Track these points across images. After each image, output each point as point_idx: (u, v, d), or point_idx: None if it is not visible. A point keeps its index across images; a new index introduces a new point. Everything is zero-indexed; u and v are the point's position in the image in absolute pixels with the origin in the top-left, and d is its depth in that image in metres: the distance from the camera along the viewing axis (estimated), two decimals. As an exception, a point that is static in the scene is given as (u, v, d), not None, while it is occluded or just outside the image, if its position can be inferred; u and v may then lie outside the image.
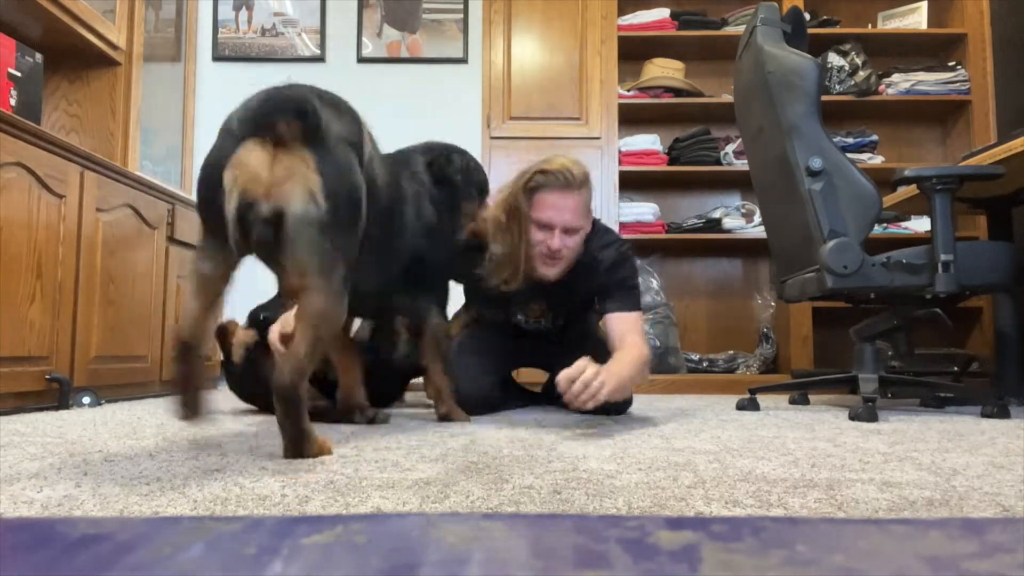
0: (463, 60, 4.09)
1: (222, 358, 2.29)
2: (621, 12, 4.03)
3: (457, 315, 2.45)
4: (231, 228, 1.22)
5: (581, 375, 1.65)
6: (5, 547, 0.46)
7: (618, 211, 3.85)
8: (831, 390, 3.31)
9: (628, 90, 4.00)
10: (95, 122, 3.06)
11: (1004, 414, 2.23)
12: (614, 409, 2.17)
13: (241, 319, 2.30)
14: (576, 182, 1.99)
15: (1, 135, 2.17)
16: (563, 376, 1.65)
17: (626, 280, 2.13)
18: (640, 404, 2.68)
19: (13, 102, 2.49)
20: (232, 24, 4.14)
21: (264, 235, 1.23)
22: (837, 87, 3.87)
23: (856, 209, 2.29)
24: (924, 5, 3.98)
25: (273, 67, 4.11)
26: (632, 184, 4.06)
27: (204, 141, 4.01)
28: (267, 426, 1.85)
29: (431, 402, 2.13)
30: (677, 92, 3.98)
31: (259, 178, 1.22)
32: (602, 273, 2.11)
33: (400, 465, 1.21)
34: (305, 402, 1.27)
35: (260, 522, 0.50)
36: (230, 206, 1.20)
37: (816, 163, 2.29)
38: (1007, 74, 3.60)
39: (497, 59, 4.00)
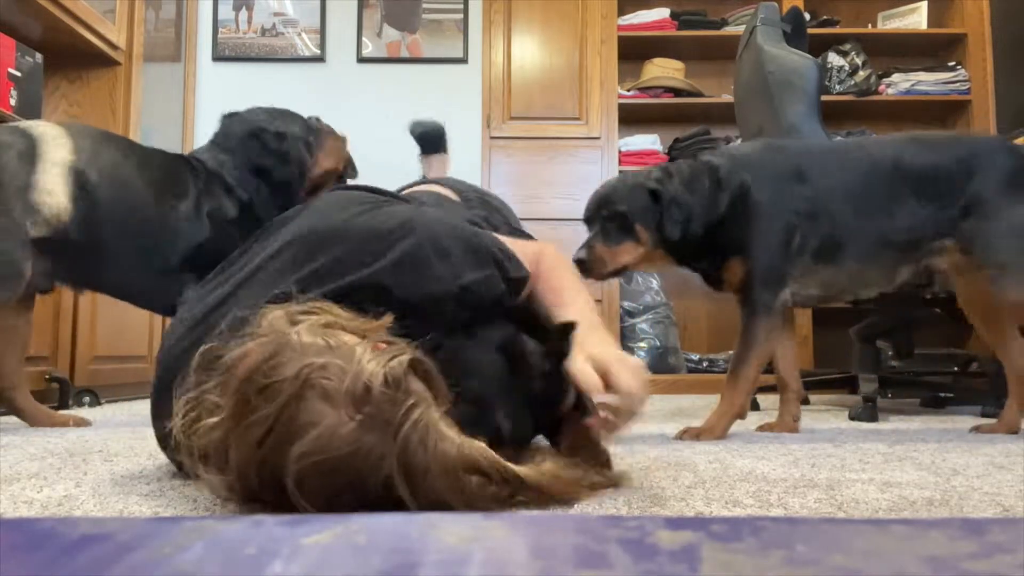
0: (463, 60, 4.09)
1: None
2: (621, 12, 4.03)
3: None
4: None
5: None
6: (5, 547, 0.46)
7: (618, 211, 3.85)
8: (831, 390, 3.31)
9: (628, 90, 4.00)
10: (95, 122, 3.06)
11: (1004, 414, 2.22)
12: None
13: None
14: None
15: (1, 135, 2.17)
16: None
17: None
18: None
19: (13, 102, 2.49)
20: (232, 24, 4.14)
21: None
22: (837, 87, 3.87)
23: (856, 209, 2.28)
24: (924, 5, 3.98)
25: (273, 67, 4.11)
26: (632, 184, 4.06)
27: (204, 141, 4.02)
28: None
29: None
30: (677, 92, 3.98)
31: None
32: None
33: (400, 465, 1.20)
34: None
35: (260, 522, 0.50)
36: None
37: (816, 163, 2.29)
38: (1007, 74, 3.60)
39: (497, 59, 4.00)
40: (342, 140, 2.06)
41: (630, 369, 0.92)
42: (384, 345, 0.78)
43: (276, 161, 1.92)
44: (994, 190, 1.74)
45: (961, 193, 1.74)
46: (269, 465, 0.71)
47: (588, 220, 1.79)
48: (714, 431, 1.67)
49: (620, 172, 3.90)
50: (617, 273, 1.81)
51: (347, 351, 0.75)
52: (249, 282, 0.98)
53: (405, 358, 0.75)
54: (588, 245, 1.76)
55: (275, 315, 0.81)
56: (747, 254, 1.73)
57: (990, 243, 1.73)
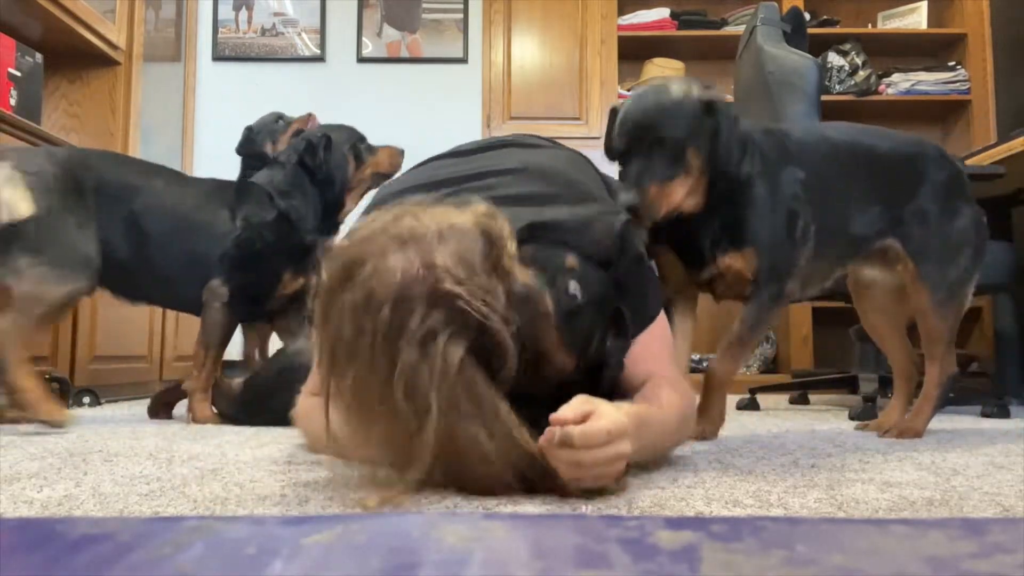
0: (463, 60, 4.09)
1: None
2: (621, 12, 4.03)
3: None
4: None
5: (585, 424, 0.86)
6: (5, 547, 0.46)
7: (618, 211, 3.86)
8: (831, 390, 3.31)
9: (628, 90, 4.00)
10: (95, 122, 3.06)
11: (1004, 414, 2.23)
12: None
13: None
14: None
15: (1, 135, 2.17)
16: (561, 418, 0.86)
17: None
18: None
19: (13, 102, 2.49)
20: (232, 24, 4.14)
21: None
22: (837, 87, 3.87)
23: (856, 209, 2.27)
24: (924, 5, 3.98)
25: (273, 67, 4.11)
26: (632, 184, 4.06)
27: (204, 141, 4.02)
28: (265, 428, 1.85)
29: None
30: (677, 92, 3.98)
31: None
32: None
33: (400, 465, 1.20)
34: None
35: (260, 522, 0.50)
36: None
37: (816, 163, 2.28)
38: (1007, 74, 3.60)
39: (497, 59, 4.00)
40: (400, 152, 2.31)
41: (606, 438, 0.85)
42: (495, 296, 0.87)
43: (322, 162, 2.15)
44: (933, 198, 1.70)
45: (912, 194, 1.70)
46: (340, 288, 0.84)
47: (624, 152, 1.39)
48: (713, 423, 1.64)
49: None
50: (668, 218, 1.41)
51: (467, 253, 0.86)
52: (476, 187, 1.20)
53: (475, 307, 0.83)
54: (638, 184, 1.35)
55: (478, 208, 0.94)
56: (754, 245, 1.51)
57: (925, 254, 1.68)
